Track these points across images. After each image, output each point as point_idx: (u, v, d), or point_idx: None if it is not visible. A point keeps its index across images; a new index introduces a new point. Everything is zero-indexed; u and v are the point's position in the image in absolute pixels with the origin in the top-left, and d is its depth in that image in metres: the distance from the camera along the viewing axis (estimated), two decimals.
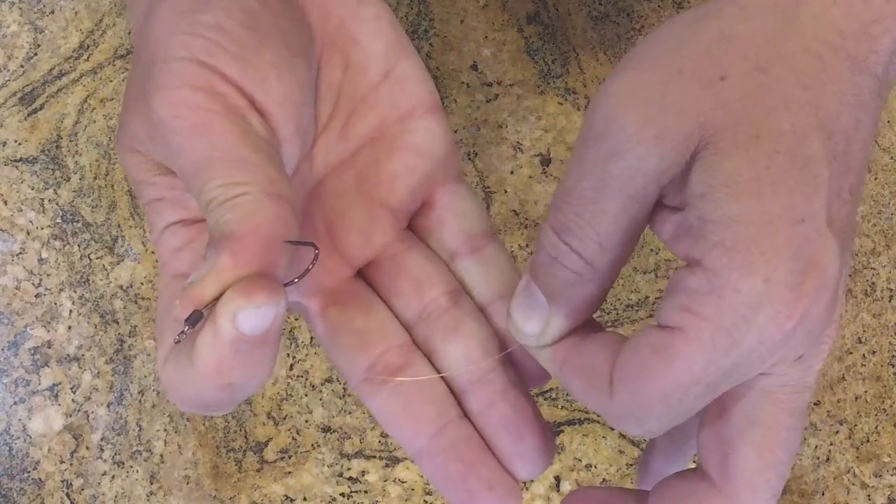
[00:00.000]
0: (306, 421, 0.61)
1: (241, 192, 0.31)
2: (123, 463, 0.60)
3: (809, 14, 0.32)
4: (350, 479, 0.60)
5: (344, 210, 0.40)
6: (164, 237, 0.36)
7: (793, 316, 0.29)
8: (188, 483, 0.60)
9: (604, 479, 0.61)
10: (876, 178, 0.65)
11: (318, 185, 0.40)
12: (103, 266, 0.62)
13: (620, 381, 0.32)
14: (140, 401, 0.61)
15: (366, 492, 0.60)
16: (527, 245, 0.63)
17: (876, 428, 0.62)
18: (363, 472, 0.60)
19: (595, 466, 0.61)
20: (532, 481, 0.61)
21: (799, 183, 0.30)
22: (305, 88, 0.36)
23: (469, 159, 0.65)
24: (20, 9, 0.66)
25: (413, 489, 0.60)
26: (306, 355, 0.62)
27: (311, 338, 0.62)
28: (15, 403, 0.61)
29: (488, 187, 0.64)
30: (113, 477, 0.60)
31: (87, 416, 0.61)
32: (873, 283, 0.64)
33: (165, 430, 0.61)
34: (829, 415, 0.62)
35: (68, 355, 0.61)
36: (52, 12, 0.66)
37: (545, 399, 0.61)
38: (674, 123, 0.30)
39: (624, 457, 0.61)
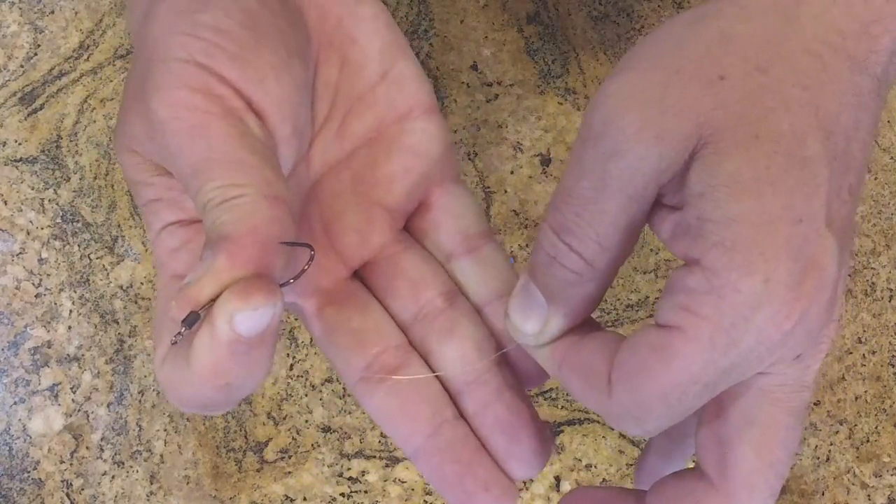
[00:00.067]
0: (306, 421, 0.61)
1: (239, 194, 0.31)
2: (123, 463, 0.60)
3: (809, 14, 0.32)
4: (350, 479, 0.60)
5: (341, 210, 0.40)
6: (161, 238, 0.36)
7: (792, 316, 0.29)
8: (188, 483, 0.60)
9: (604, 479, 0.61)
10: (876, 178, 0.65)
11: (315, 186, 0.40)
12: (103, 266, 0.62)
13: (619, 380, 0.32)
14: (140, 401, 0.61)
15: (366, 492, 0.60)
16: (527, 245, 0.63)
17: (876, 428, 0.62)
18: (363, 472, 0.60)
19: (595, 466, 0.61)
20: (532, 481, 0.61)
21: (798, 183, 0.30)
22: (302, 89, 0.36)
23: (469, 159, 0.65)
24: (20, 9, 0.66)
25: (413, 489, 0.60)
26: (306, 355, 0.62)
27: (311, 338, 0.62)
28: (15, 403, 0.61)
29: (488, 187, 0.64)
30: (113, 477, 0.60)
31: (87, 416, 0.61)
32: (873, 283, 0.64)
33: (165, 430, 0.61)
34: (829, 415, 0.62)
35: (68, 355, 0.61)
36: (52, 12, 0.66)
37: (545, 399, 0.61)
38: (673, 123, 0.30)
39: (624, 457, 0.61)
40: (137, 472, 0.60)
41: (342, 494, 0.60)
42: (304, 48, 0.37)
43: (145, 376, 0.61)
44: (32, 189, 0.63)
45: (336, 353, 0.39)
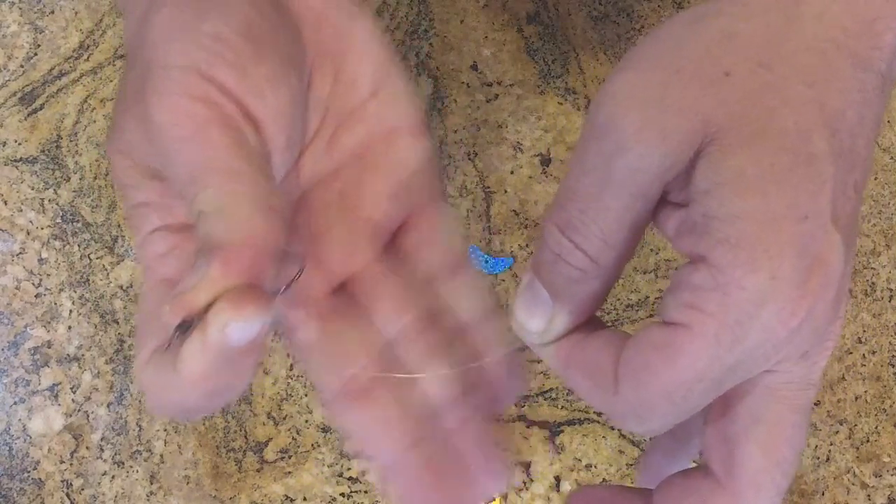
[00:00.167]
0: (306, 421, 0.61)
1: (234, 203, 0.32)
2: (123, 463, 0.60)
3: (811, 12, 0.32)
4: (350, 479, 0.60)
5: (326, 224, 0.40)
6: (148, 241, 0.36)
7: (798, 313, 0.29)
8: (188, 483, 0.60)
9: (604, 479, 0.61)
10: (876, 179, 0.65)
11: (303, 198, 0.40)
12: (103, 266, 0.62)
13: (624, 377, 0.32)
14: (140, 401, 0.61)
15: (366, 492, 0.60)
16: (527, 245, 0.64)
17: (876, 428, 0.62)
18: (363, 472, 0.60)
19: (595, 466, 0.61)
20: (532, 481, 0.61)
21: (804, 180, 0.30)
22: (297, 101, 0.36)
23: (469, 159, 0.65)
24: (20, 9, 0.66)
25: None
26: None
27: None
28: (15, 403, 0.61)
29: (488, 187, 0.64)
30: (113, 477, 0.60)
31: (87, 416, 0.60)
32: (873, 283, 0.64)
33: (165, 430, 0.60)
34: (829, 415, 0.62)
35: (68, 355, 0.61)
36: (52, 12, 0.66)
37: (545, 399, 0.61)
38: (675, 122, 0.30)
39: (624, 457, 0.61)
40: (137, 472, 0.60)
41: (342, 494, 0.60)
42: (300, 60, 0.37)
43: None
44: (32, 189, 0.63)
45: (315, 368, 0.39)
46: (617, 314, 0.63)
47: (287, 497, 0.60)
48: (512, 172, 0.65)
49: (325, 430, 0.61)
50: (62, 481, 0.60)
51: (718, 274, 0.29)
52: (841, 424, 0.62)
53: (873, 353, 0.63)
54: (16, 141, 0.64)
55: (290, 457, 0.60)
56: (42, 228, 0.63)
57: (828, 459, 0.61)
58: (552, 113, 0.66)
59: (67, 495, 0.60)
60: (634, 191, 0.31)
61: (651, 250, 0.64)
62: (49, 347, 0.61)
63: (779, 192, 0.29)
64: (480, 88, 0.66)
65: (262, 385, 0.61)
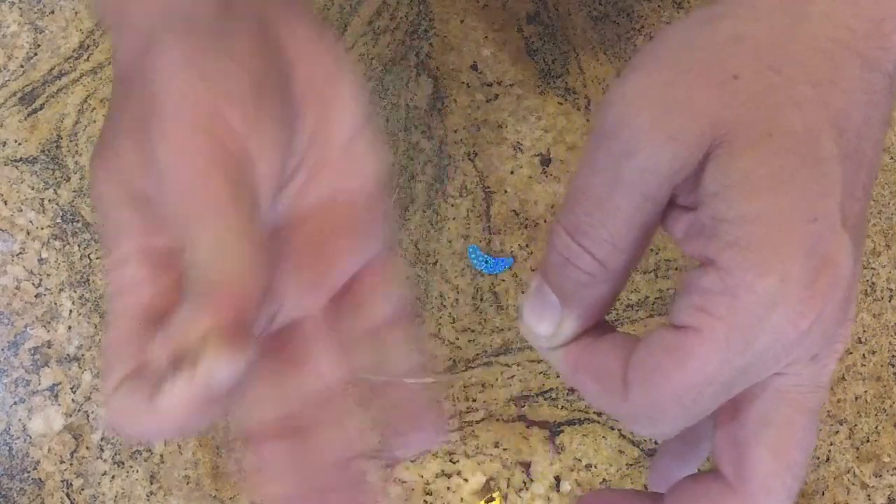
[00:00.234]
0: None
1: (228, 247, 0.32)
2: (123, 463, 0.60)
3: (818, 12, 0.32)
4: None
5: (283, 269, 0.40)
6: (123, 264, 0.35)
7: (808, 315, 0.29)
8: (188, 483, 0.60)
9: (604, 479, 0.61)
10: (876, 178, 0.65)
11: (271, 236, 0.40)
12: (103, 266, 0.62)
13: (634, 381, 0.32)
14: None
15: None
16: (527, 245, 0.64)
17: (876, 428, 0.62)
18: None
19: (595, 466, 0.61)
20: (532, 481, 0.61)
21: (812, 181, 0.30)
22: (289, 145, 0.36)
23: (469, 159, 0.65)
24: (20, 9, 0.66)
25: (413, 489, 0.60)
26: None
27: None
28: (15, 403, 0.60)
29: (488, 187, 0.64)
30: (113, 477, 0.60)
31: (87, 416, 0.60)
32: (873, 283, 0.64)
33: None
34: (829, 415, 0.62)
35: (68, 355, 0.61)
36: (52, 12, 0.66)
37: (545, 399, 0.61)
38: (684, 124, 0.31)
39: (624, 457, 0.61)
40: (137, 472, 0.60)
41: None
42: (293, 103, 0.37)
43: None
44: (32, 189, 0.63)
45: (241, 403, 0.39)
46: (617, 314, 0.63)
47: None
48: (512, 172, 0.65)
49: None
50: (62, 481, 0.60)
51: (728, 277, 0.29)
52: (841, 424, 0.62)
53: (873, 353, 0.63)
54: (16, 141, 0.64)
55: None
56: (42, 228, 0.63)
57: (828, 459, 0.61)
58: (552, 113, 0.66)
59: (67, 495, 0.60)
60: (644, 192, 0.31)
61: (651, 250, 0.64)
62: (49, 347, 0.61)
63: (787, 193, 0.29)
64: (480, 88, 0.66)
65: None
